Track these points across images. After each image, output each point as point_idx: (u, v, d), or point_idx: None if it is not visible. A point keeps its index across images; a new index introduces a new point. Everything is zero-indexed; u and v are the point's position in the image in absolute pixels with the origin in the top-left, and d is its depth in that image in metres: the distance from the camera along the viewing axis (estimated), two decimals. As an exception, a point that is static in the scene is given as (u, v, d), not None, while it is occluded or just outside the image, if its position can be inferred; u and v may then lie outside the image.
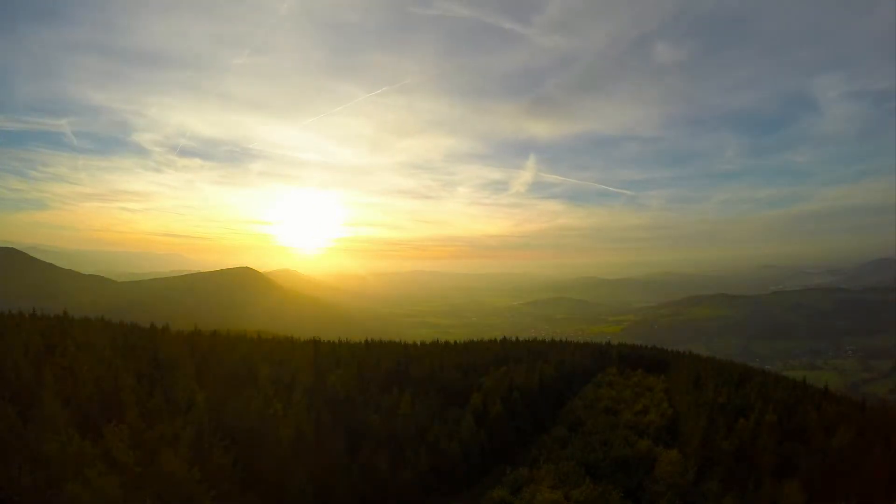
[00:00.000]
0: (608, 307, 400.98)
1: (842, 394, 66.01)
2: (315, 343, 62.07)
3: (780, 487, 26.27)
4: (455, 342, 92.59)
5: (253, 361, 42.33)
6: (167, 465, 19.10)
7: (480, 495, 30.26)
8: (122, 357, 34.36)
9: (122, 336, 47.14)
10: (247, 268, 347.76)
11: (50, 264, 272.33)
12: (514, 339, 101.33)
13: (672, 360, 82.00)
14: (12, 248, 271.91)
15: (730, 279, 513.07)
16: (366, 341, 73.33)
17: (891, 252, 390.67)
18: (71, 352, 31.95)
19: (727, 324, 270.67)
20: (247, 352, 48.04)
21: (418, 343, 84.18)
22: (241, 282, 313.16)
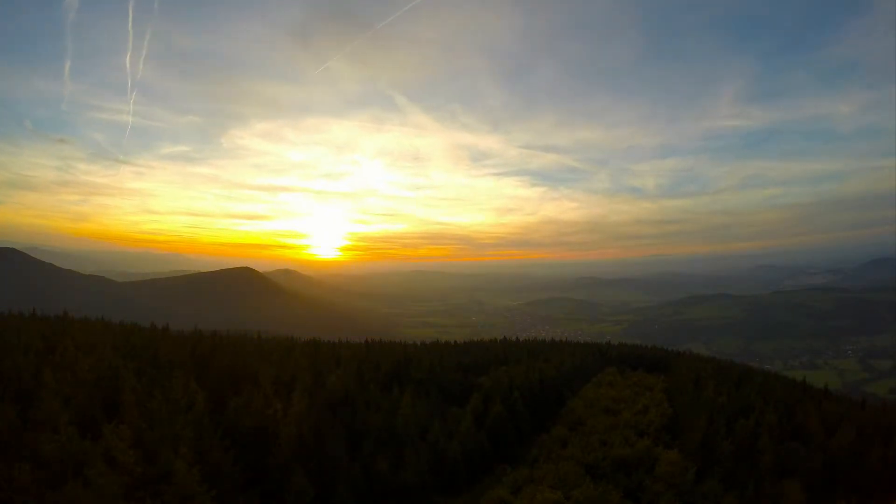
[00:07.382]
0: (608, 307, 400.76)
1: (842, 394, 66.31)
2: (315, 343, 62.16)
3: (780, 487, 26.28)
4: (455, 342, 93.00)
5: (253, 361, 42.34)
6: (167, 465, 19.09)
7: (480, 495, 30.29)
8: (122, 357, 34.38)
9: (122, 336, 47.20)
10: (247, 268, 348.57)
11: (50, 264, 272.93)
12: (514, 339, 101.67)
13: (672, 360, 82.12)
14: (12, 248, 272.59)
15: (730, 279, 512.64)
16: (366, 341, 73.47)
17: (891, 251, 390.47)
18: (71, 352, 31.96)
19: (727, 324, 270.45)
20: (247, 352, 48.06)
21: (418, 343, 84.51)
22: (241, 282, 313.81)
